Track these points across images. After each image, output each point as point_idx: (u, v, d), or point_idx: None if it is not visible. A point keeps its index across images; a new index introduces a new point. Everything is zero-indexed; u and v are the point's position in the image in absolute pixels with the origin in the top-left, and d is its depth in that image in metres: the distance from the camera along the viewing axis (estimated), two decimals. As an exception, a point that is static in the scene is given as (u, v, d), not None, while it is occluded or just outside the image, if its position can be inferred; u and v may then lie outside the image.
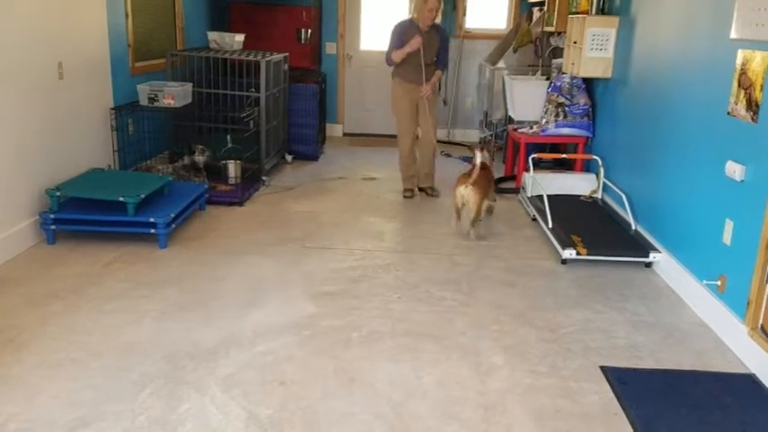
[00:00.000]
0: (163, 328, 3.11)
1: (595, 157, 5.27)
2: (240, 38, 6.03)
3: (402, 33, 5.25)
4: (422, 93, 5.36)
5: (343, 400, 2.61)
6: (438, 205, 5.36)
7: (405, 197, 5.54)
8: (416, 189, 5.63)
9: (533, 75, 6.70)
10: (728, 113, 3.31)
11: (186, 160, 5.31)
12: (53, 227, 4.04)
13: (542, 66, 6.82)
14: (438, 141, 7.89)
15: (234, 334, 3.08)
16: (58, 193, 4.04)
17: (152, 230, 4.07)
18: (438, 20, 5.29)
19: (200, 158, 5.31)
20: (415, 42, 5.12)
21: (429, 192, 5.62)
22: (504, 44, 7.45)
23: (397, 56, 5.23)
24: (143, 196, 4.10)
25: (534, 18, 7.07)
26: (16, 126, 3.88)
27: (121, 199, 4.01)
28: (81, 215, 4.06)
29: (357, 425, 2.45)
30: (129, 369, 2.75)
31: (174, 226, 4.19)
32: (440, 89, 8.12)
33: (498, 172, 6.47)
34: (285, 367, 2.81)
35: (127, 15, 5.21)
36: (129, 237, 4.16)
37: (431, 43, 5.27)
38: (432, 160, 5.61)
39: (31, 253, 3.95)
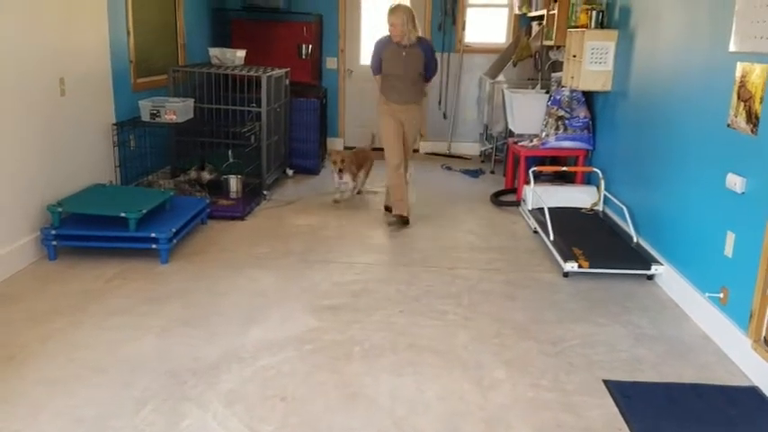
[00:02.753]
0: (165, 343, 3.11)
1: (596, 169, 5.28)
2: (241, 53, 6.07)
3: (379, 50, 5.08)
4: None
5: (345, 414, 2.60)
6: (438, 219, 5.36)
7: (389, 223, 5.13)
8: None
9: (533, 88, 6.73)
10: (728, 126, 3.32)
11: (193, 175, 5.33)
12: (54, 243, 4.04)
13: (542, 79, 6.86)
14: (437, 154, 7.99)
15: (235, 349, 3.07)
16: (60, 209, 4.05)
17: (154, 245, 4.07)
18: (414, 36, 4.94)
19: (206, 176, 5.35)
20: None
21: (399, 218, 5.06)
22: (503, 58, 7.49)
23: (377, 81, 5.18)
24: (145, 211, 4.11)
25: (533, 32, 7.12)
26: (18, 141, 3.90)
27: (123, 214, 4.02)
28: (83, 231, 4.06)
29: (359, 440, 2.44)
30: (131, 385, 2.74)
31: (175, 241, 4.20)
32: (440, 104, 8.15)
33: (498, 185, 6.49)
34: (287, 382, 2.80)
35: (128, 32, 5.25)
36: (131, 252, 4.16)
37: (412, 60, 5.01)
38: (406, 183, 5.17)
39: (32, 269, 3.95)
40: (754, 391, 2.86)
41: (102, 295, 3.61)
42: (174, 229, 4.15)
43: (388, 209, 5.35)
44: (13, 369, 2.83)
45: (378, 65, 5.13)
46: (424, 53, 5.05)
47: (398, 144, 5.07)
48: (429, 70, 5.18)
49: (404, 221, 5.07)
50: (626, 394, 2.78)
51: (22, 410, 2.54)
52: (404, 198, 5.08)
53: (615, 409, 2.68)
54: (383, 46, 5.07)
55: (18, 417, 2.50)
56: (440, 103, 8.17)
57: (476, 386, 2.83)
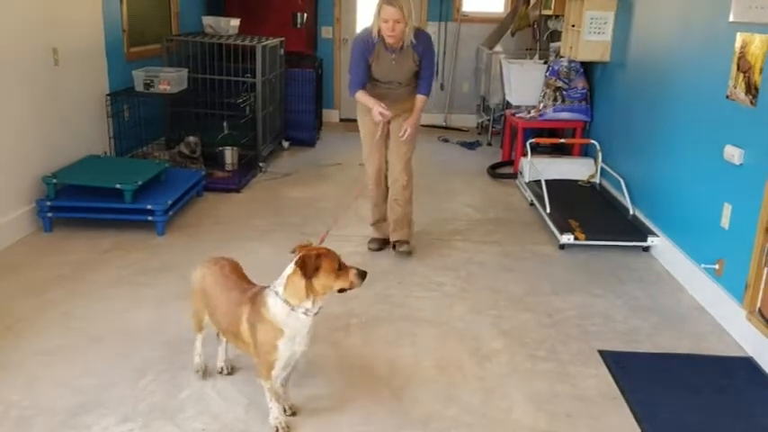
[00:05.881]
0: (162, 314, 3.11)
1: (593, 141, 5.25)
2: (235, 22, 5.98)
3: (364, 54, 3.69)
4: (401, 135, 3.76)
5: (344, 385, 2.61)
6: (434, 191, 5.34)
7: (369, 248, 4.06)
8: (387, 239, 4.08)
9: (531, 58, 6.67)
10: (727, 97, 3.30)
11: (181, 148, 5.28)
12: (50, 214, 4.02)
13: (540, 49, 6.79)
14: (434, 126, 7.93)
15: (233, 320, 3.07)
16: (55, 181, 4.02)
17: (150, 217, 4.05)
18: (410, 34, 3.61)
19: (186, 150, 5.19)
20: (376, 114, 3.67)
21: (396, 246, 3.97)
22: (501, 28, 7.41)
23: (362, 100, 3.76)
24: (140, 183, 4.08)
25: (532, 1, 7.02)
26: (11, 113, 3.84)
27: (118, 186, 3.99)
28: (78, 202, 4.04)
29: (358, 410, 2.46)
30: (130, 355, 2.75)
31: (171, 213, 4.17)
32: (436, 74, 8.07)
33: (495, 157, 6.46)
34: (285, 353, 2.81)
35: (121, 0, 5.15)
36: (127, 224, 4.14)
37: (404, 63, 3.73)
38: (404, 204, 3.94)
39: (27, 240, 3.93)
40: (748, 362, 2.89)
41: (98, 266, 3.61)
42: (170, 201, 4.13)
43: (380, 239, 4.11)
44: (10, 340, 2.83)
45: (362, 75, 3.72)
46: (420, 57, 3.73)
47: (378, 147, 3.90)
48: (424, 78, 3.80)
49: (383, 242, 4.05)
50: (621, 364, 2.81)
51: (20, 380, 2.54)
52: (386, 219, 4.03)
53: (610, 379, 2.71)
54: (368, 49, 3.69)
55: (16, 387, 2.50)
56: (437, 74, 8.10)
57: (473, 357, 2.85)
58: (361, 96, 3.74)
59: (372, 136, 3.87)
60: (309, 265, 2.12)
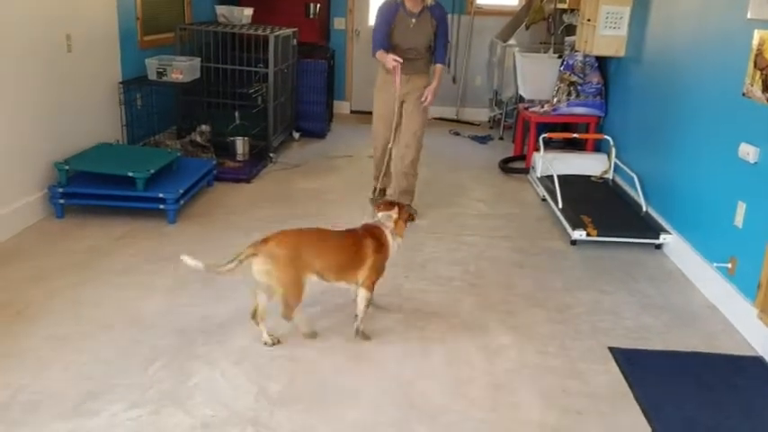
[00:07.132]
0: (173, 302, 3.12)
1: (607, 137, 5.21)
2: (249, 12, 5.97)
3: (388, 18, 4.18)
4: (423, 101, 4.26)
5: (352, 376, 2.61)
6: (445, 185, 5.33)
7: (370, 199, 4.62)
8: (386, 189, 4.66)
9: (545, 52, 6.62)
10: (743, 95, 3.27)
11: (193, 136, 5.29)
12: (62, 201, 4.03)
13: (555, 43, 6.74)
14: (445, 120, 7.89)
15: (243, 309, 3.07)
16: (67, 167, 4.03)
17: (161, 206, 4.06)
18: None
19: (197, 139, 5.20)
20: (390, 62, 4.06)
21: None
22: (515, 21, 7.36)
23: (380, 57, 4.17)
24: (152, 171, 4.09)
25: (547, -5, 6.97)
26: (24, 98, 3.85)
27: (131, 174, 4.00)
28: (90, 189, 4.05)
29: (365, 401, 2.46)
30: (140, 343, 2.76)
31: (182, 202, 4.18)
32: (449, 67, 8.03)
33: (507, 151, 6.43)
34: (294, 343, 2.81)
35: (135, -12, 5.16)
36: (138, 212, 4.15)
37: (422, 28, 4.20)
38: (410, 172, 4.44)
39: (39, 226, 3.95)
40: (759, 361, 2.87)
41: (109, 253, 3.62)
42: (181, 190, 4.13)
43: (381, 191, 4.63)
44: (20, 325, 2.84)
45: (383, 38, 4.17)
46: (437, 22, 4.22)
47: (388, 123, 4.37)
48: (439, 47, 4.29)
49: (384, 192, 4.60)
50: (631, 361, 2.79)
51: (29, 365, 2.56)
52: (387, 174, 4.57)
53: (620, 376, 2.69)
54: (392, 12, 4.18)
55: (26, 372, 2.52)
56: (449, 66, 8.05)
57: (482, 351, 2.84)
58: (380, 54, 4.16)
59: (386, 111, 4.33)
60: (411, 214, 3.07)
